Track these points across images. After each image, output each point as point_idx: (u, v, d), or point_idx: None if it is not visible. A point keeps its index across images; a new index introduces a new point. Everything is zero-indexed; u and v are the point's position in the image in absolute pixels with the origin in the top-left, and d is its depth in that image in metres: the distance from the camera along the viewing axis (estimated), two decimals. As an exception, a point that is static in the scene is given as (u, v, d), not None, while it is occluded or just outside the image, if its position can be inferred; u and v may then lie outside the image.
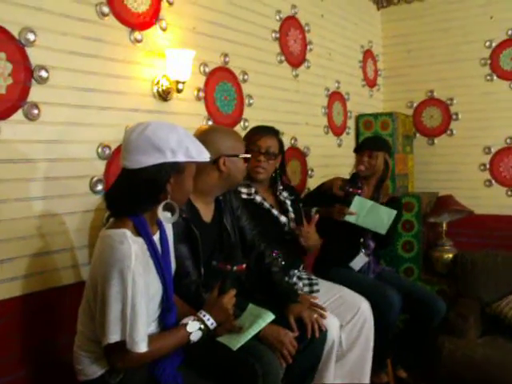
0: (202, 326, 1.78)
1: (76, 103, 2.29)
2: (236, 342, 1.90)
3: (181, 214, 1.75)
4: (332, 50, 4.24)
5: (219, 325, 1.84)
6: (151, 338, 1.65)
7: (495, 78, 4.47)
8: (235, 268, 2.08)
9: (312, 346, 2.25)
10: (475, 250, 3.82)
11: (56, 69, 2.19)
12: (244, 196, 2.60)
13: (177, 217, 1.74)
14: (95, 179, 2.36)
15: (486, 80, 4.51)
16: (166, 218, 1.74)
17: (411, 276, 4.09)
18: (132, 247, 1.59)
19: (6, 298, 2.03)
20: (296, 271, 2.77)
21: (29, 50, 2.10)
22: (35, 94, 2.12)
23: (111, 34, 2.44)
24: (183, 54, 2.63)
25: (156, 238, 1.77)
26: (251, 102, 3.33)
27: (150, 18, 2.62)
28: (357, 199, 2.98)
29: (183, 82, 2.69)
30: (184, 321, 1.78)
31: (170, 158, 1.66)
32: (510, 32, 4.40)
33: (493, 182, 4.50)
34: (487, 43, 4.48)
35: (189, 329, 1.75)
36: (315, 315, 2.27)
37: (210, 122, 2.97)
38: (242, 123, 3.24)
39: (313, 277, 2.80)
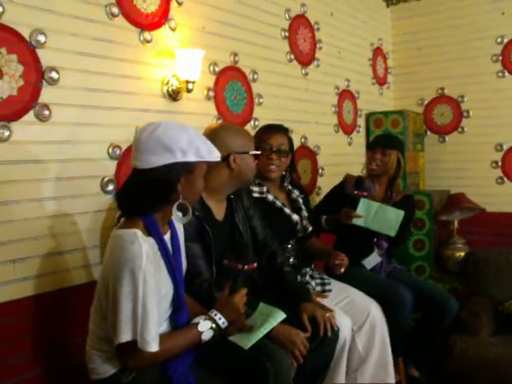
0: (214, 326, 1.78)
1: (86, 104, 2.30)
2: (247, 341, 1.90)
3: (193, 213, 1.76)
4: (342, 49, 4.22)
5: (230, 324, 1.84)
6: (162, 338, 1.66)
7: (507, 74, 4.44)
8: (246, 267, 2.08)
9: (324, 345, 2.25)
10: (487, 248, 3.80)
11: (66, 70, 2.20)
12: (256, 195, 2.60)
13: (190, 217, 1.74)
14: (106, 179, 2.37)
15: (498, 76, 4.47)
16: (178, 218, 1.75)
17: (423, 274, 4.07)
18: (143, 247, 1.59)
19: (19, 298, 2.04)
20: (308, 269, 2.78)
21: (40, 52, 2.11)
22: (46, 95, 2.13)
23: (121, 34, 2.45)
24: (193, 54, 2.63)
25: (167, 237, 1.77)
26: (261, 101, 3.32)
27: (160, 19, 2.62)
28: (362, 201, 2.95)
29: (193, 82, 2.69)
30: (195, 320, 1.78)
31: (180, 158, 1.66)
32: (521, 28, 4.36)
33: (505, 179, 4.46)
34: (498, 39, 4.44)
35: (200, 328, 1.75)
36: (327, 314, 2.27)
37: (220, 122, 2.97)
38: (252, 122, 3.24)
39: (325, 276, 2.80)
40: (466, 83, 4.60)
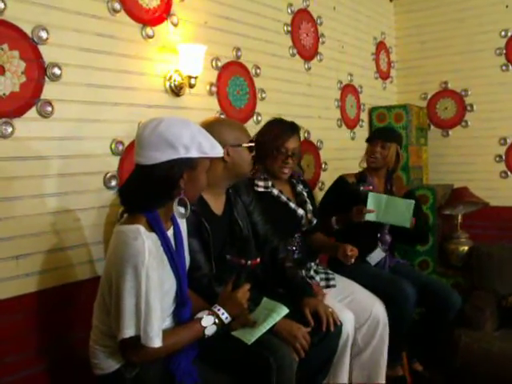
0: (217, 321, 1.78)
1: (89, 100, 2.30)
2: (250, 336, 1.90)
3: (190, 208, 1.76)
4: (344, 43, 4.21)
5: (234, 319, 1.85)
6: (166, 333, 1.66)
7: (511, 67, 4.41)
8: (250, 262, 2.09)
9: (327, 339, 2.25)
10: (491, 242, 3.80)
11: (68, 66, 2.21)
12: (261, 189, 2.61)
13: (189, 212, 1.75)
14: (109, 175, 2.38)
15: (502, 70, 4.44)
16: (180, 213, 1.76)
17: (426, 269, 4.06)
18: (146, 243, 1.60)
19: (22, 294, 2.05)
20: (313, 264, 2.78)
21: (41, 48, 2.11)
22: (48, 91, 2.13)
23: (123, 30, 2.45)
24: (195, 49, 2.63)
25: (170, 233, 1.78)
26: (264, 95, 3.32)
27: (162, 14, 2.62)
28: (371, 196, 2.92)
29: (195, 77, 2.69)
30: (198, 315, 1.79)
31: (183, 154, 1.66)
32: (526, 21, 4.34)
33: (508, 173, 4.45)
34: (503, 33, 4.41)
35: (203, 323, 1.76)
36: (330, 309, 2.27)
37: (223, 117, 2.97)
38: (254, 117, 3.24)
39: (329, 271, 2.81)
40: (470, 77, 4.58)
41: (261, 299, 2.10)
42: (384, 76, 4.81)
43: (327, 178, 3.83)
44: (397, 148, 3.12)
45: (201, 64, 2.66)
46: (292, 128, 2.69)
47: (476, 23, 4.52)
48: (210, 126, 2.12)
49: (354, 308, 2.57)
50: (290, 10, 3.58)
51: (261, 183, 2.63)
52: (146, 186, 1.69)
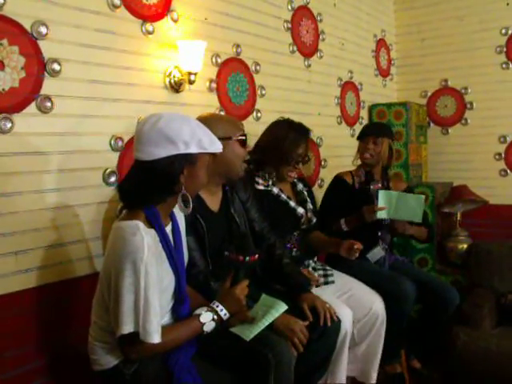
0: (215, 317, 1.79)
1: (88, 95, 2.29)
2: (249, 333, 1.90)
3: (192, 203, 1.76)
4: (345, 40, 4.21)
5: (232, 315, 1.85)
6: (164, 329, 1.66)
7: (511, 65, 4.41)
8: (248, 259, 2.08)
9: (325, 335, 2.26)
10: (490, 240, 3.79)
11: (68, 61, 2.20)
12: (261, 187, 2.61)
13: (190, 208, 1.75)
14: (108, 171, 2.37)
15: (502, 68, 4.44)
16: (183, 209, 1.77)
17: (425, 266, 4.07)
18: (144, 239, 1.60)
19: (21, 290, 2.05)
20: (311, 261, 2.78)
21: (41, 43, 2.10)
22: (48, 86, 2.13)
23: (123, 26, 2.44)
24: (195, 45, 2.62)
25: (168, 229, 1.77)
26: (263, 92, 3.32)
27: (162, 10, 2.61)
28: (381, 193, 2.89)
29: (195, 74, 2.68)
30: (197, 311, 1.79)
31: (182, 150, 1.66)
32: (526, 19, 4.33)
33: (508, 171, 4.45)
34: (503, 30, 4.41)
35: (202, 319, 1.76)
36: (327, 304, 2.28)
37: (223, 113, 2.97)
38: (254, 114, 3.23)
39: (327, 268, 2.81)
40: (470, 75, 4.57)
41: (259, 295, 2.10)
42: (384, 73, 4.80)
43: (327, 176, 3.82)
44: (389, 143, 3.10)
45: (201, 60, 2.66)
46: (306, 133, 2.70)
47: (476, 21, 4.52)
48: (203, 121, 2.11)
49: (352, 304, 2.58)
50: (290, 7, 3.57)
51: (261, 181, 2.64)
52: (145, 182, 1.69)
